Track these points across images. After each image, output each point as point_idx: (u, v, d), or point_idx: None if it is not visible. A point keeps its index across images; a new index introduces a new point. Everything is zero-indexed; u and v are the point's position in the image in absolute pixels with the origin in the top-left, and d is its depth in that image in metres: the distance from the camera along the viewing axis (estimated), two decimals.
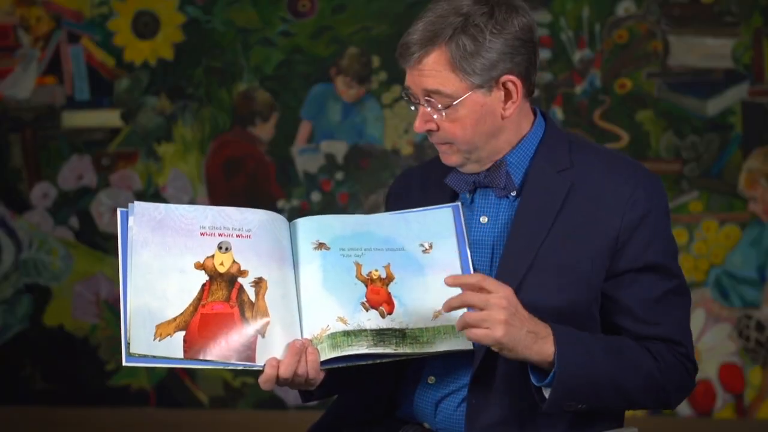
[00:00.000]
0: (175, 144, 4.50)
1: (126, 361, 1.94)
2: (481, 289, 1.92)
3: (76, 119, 4.54)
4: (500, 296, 1.91)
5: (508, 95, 2.05)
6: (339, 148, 4.43)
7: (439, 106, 2.03)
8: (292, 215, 4.41)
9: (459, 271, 2.07)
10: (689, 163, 4.23)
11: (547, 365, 1.97)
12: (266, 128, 4.47)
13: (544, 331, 1.96)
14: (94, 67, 4.52)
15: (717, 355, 4.23)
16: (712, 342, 4.22)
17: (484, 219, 2.12)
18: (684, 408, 4.23)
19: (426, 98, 2.05)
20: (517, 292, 2.01)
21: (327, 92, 4.44)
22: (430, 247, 2.10)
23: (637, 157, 4.19)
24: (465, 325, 1.92)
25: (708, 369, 4.22)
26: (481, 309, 1.91)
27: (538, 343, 1.94)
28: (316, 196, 4.44)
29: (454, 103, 2.03)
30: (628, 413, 2.17)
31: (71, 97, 4.54)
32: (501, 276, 2.03)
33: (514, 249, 2.05)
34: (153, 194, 4.50)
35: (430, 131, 2.08)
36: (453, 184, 2.14)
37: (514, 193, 2.10)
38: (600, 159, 2.11)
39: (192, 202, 4.48)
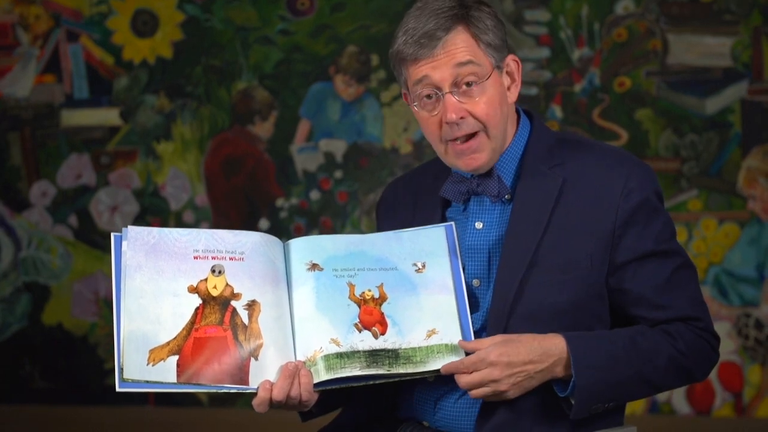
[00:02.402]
0: (174, 142, 4.50)
1: (119, 387, 1.94)
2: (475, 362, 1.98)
3: (75, 118, 4.54)
4: (489, 371, 1.96)
5: (512, 79, 2.10)
6: (338, 147, 4.43)
7: (471, 78, 2.04)
8: (291, 214, 4.44)
9: (452, 291, 2.08)
10: (688, 162, 4.23)
11: (568, 377, 1.99)
12: (265, 127, 4.47)
13: (555, 351, 1.98)
14: (93, 66, 4.52)
15: None
16: None
17: (479, 225, 2.12)
18: (683, 406, 4.23)
19: (454, 83, 2.04)
20: (518, 293, 2.02)
21: (326, 91, 4.44)
22: (423, 266, 2.10)
23: (636, 156, 4.20)
24: (478, 398, 2.00)
25: None
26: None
27: (551, 370, 1.98)
28: (315, 195, 4.44)
29: (483, 80, 2.05)
30: (627, 412, 2.18)
31: (70, 95, 4.54)
32: (500, 279, 2.05)
33: (512, 251, 2.06)
34: (152, 193, 4.50)
35: (460, 120, 2.05)
36: (448, 194, 2.14)
37: (508, 197, 2.10)
38: (590, 152, 2.12)
39: (191, 200, 4.48)
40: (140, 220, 4.48)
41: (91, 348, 4.53)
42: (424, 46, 2.04)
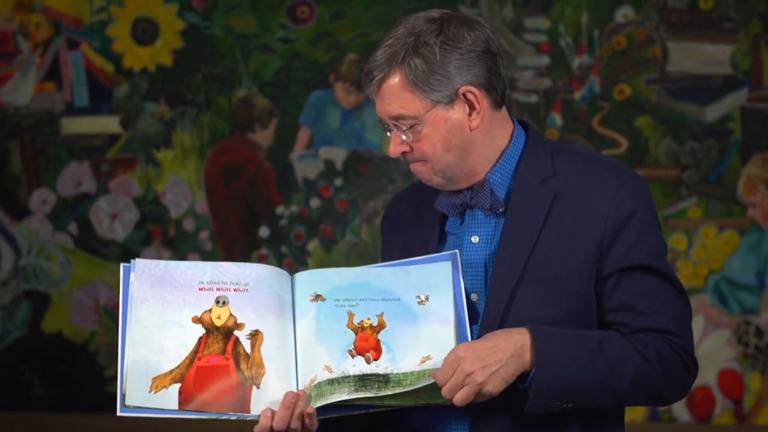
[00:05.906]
0: (174, 150, 4.50)
1: (120, 412, 2.02)
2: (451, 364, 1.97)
3: (75, 125, 4.54)
4: (461, 367, 1.94)
5: (471, 107, 2.06)
6: (338, 154, 4.44)
7: (404, 127, 2.05)
8: (291, 221, 4.44)
9: (452, 323, 2.07)
10: (688, 169, 4.23)
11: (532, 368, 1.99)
12: (265, 134, 4.47)
13: (521, 339, 1.98)
14: (93, 73, 4.52)
15: (716, 361, 4.23)
16: (711, 348, 4.22)
17: (475, 239, 2.13)
18: (683, 414, 4.23)
19: (393, 123, 2.06)
20: (508, 306, 2.03)
21: (326, 98, 4.44)
22: (427, 299, 2.10)
23: (636, 163, 4.20)
24: (465, 401, 1.97)
25: (707, 375, 4.22)
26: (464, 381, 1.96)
27: (521, 356, 1.97)
28: (315, 203, 4.44)
29: (418, 123, 2.05)
30: (627, 420, 2.17)
31: (70, 103, 4.54)
32: (492, 292, 2.06)
33: (503, 264, 2.06)
34: (152, 200, 4.50)
35: (404, 153, 2.09)
36: (441, 207, 2.15)
37: (501, 210, 2.11)
38: (582, 163, 2.11)
39: (191, 208, 4.48)
40: (140, 227, 4.49)
41: (91, 355, 4.53)
42: (365, 83, 2.09)
